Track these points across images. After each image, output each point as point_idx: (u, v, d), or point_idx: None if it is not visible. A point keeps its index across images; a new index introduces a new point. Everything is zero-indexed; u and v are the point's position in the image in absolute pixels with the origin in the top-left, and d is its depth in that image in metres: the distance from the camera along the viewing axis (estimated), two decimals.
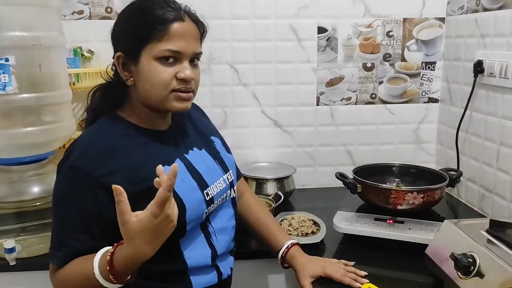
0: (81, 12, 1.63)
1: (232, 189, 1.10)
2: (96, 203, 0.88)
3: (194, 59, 0.96)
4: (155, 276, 0.95)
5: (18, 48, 1.18)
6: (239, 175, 1.26)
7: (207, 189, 1.00)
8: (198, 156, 1.04)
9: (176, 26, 0.91)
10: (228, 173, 1.09)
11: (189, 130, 1.09)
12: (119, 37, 0.96)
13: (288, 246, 1.15)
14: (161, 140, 1.00)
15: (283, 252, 1.15)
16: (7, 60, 1.15)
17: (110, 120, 0.98)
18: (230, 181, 1.09)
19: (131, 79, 0.95)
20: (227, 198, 1.08)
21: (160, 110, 0.97)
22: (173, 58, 0.92)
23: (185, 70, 0.93)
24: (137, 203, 0.86)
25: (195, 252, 0.98)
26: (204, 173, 1.01)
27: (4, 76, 1.15)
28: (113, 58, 0.97)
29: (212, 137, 1.14)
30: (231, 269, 1.09)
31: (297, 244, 1.17)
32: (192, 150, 1.04)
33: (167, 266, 0.96)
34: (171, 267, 0.96)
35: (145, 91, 0.95)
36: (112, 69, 1.01)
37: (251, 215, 1.22)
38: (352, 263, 1.16)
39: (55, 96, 1.26)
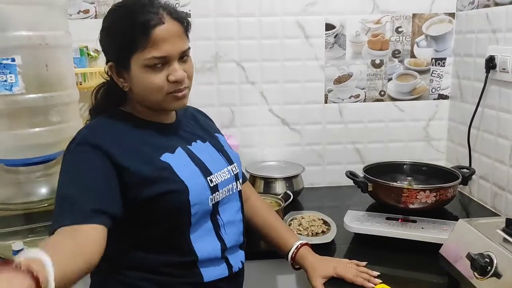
0: (87, 11, 1.62)
1: (237, 181, 1.09)
2: (106, 167, 0.88)
3: (183, 56, 0.96)
4: (166, 268, 0.95)
5: (24, 47, 1.17)
6: (244, 178, 1.24)
7: (211, 176, 1.00)
8: (201, 147, 1.05)
9: (157, 31, 0.90)
10: (233, 165, 1.09)
11: (193, 126, 1.10)
12: (106, 48, 0.98)
13: (298, 246, 1.14)
14: (164, 131, 1.02)
15: (292, 253, 1.14)
16: (13, 60, 1.14)
17: (113, 113, 0.99)
18: (235, 173, 1.08)
19: (126, 84, 0.97)
20: (234, 190, 1.07)
21: (159, 110, 1.00)
22: (161, 63, 0.92)
23: (175, 72, 0.93)
24: (133, 179, 0.89)
25: (205, 244, 0.98)
26: (207, 162, 1.02)
27: (11, 76, 1.14)
28: (106, 65, 0.99)
29: (216, 134, 1.15)
30: (242, 263, 1.08)
31: (306, 244, 1.16)
32: (196, 142, 1.05)
33: (177, 258, 0.95)
34: (181, 259, 0.96)
35: (141, 97, 0.97)
36: (107, 73, 1.02)
37: (258, 218, 1.21)
38: (364, 263, 1.14)
39: (62, 96, 1.25)
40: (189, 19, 0.99)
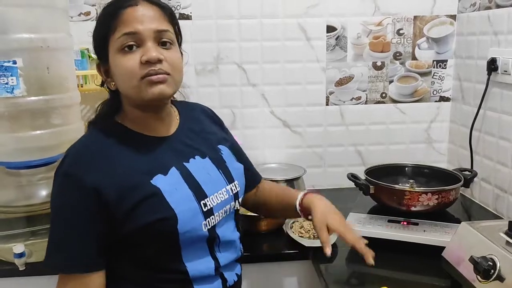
0: (88, 13, 1.62)
1: (236, 200, 1.04)
2: (91, 209, 0.86)
3: (165, 42, 0.90)
4: (159, 284, 0.93)
5: (26, 50, 1.16)
6: (258, 177, 1.21)
7: (205, 200, 0.94)
8: (199, 165, 0.98)
9: (129, 10, 0.88)
10: (233, 183, 1.03)
11: (195, 136, 1.04)
12: (93, 47, 0.96)
13: (305, 193, 1.10)
14: (159, 146, 0.96)
15: (300, 199, 1.09)
16: (14, 62, 1.14)
17: (104, 126, 0.96)
18: (234, 192, 1.02)
19: (113, 83, 0.94)
20: (231, 210, 1.02)
21: (145, 105, 0.93)
22: (134, 44, 0.87)
23: (147, 52, 0.87)
24: (119, 211, 0.87)
25: (198, 264, 0.94)
26: (204, 183, 0.96)
27: (12, 79, 1.14)
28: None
29: (219, 146, 1.08)
30: (237, 275, 1.04)
31: (310, 191, 1.12)
32: (194, 158, 0.99)
33: (170, 275, 0.93)
34: (174, 276, 0.93)
35: (122, 88, 0.92)
36: (96, 84, 1.02)
37: (270, 196, 1.17)
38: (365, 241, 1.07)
39: (64, 98, 1.24)
40: (171, 8, 0.95)
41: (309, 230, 1.32)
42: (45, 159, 1.25)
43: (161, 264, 0.92)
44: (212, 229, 0.95)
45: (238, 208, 1.06)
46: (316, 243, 1.26)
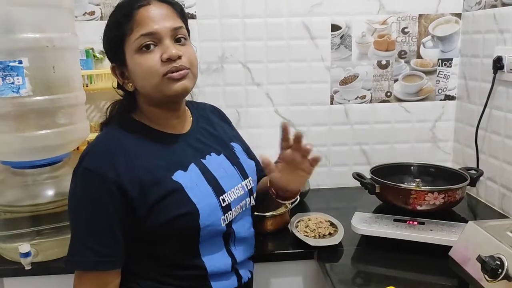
0: (92, 13, 1.62)
1: (251, 196, 1.06)
2: (115, 204, 0.87)
3: (179, 38, 0.92)
4: (176, 281, 0.94)
5: (31, 49, 1.16)
6: (264, 174, 1.20)
7: (223, 195, 0.97)
8: (215, 162, 1.01)
9: (142, 11, 0.89)
10: (247, 179, 1.05)
11: (208, 134, 1.06)
12: (106, 50, 0.97)
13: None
14: (176, 143, 0.98)
15: (269, 186, 1.08)
16: (20, 62, 1.14)
17: (122, 123, 0.97)
18: (249, 188, 1.05)
19: (130, 84, 0.95)
20: (247, 206, 1.05)
21: (166, 102, 0.95)
22: (152, 43, 0.89)
23: (167, 49, 0.89)
24: (141, 206, 0.87)
25: (215, 260, 0.96)
26: (221, 179, 0.98)
27: (18, 79, 1.14)
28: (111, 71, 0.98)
29: (232, 143, 1.11)
30: (251, 272, 1.07)
31: None
32: (210, 155, 1.01)
33: (188, 272, 0.94)
34: (192, 272, 0.95)
35: (142, 88, 0.94)
36: (113, 86, 1.01)
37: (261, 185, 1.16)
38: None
39: (69, 98, 1.24)
40: (182, 5, 0.97)
41: (314, 230, 1.32)
42: (50, 158, 1.25)
43: (180, 261, 0.94)
44: (229, 224, 0.98)
45: (253, 204, 1.08)
46: (322, 243, 1.26)
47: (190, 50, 0.94)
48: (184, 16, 0.97)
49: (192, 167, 0.95)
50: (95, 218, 0.88)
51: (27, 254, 1.18)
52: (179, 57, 0.90)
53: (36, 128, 1.19)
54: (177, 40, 0.92)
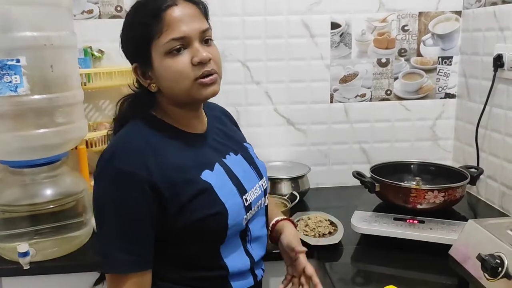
0: (90, 11, 1.62)
1: (266, 196, 1.07)
2: (149, 204, 0.86)
3: (206, 39, 0.91)
4: (197, 282, 0.94)
5: (29, 48, 1.16)
6: None
7: (246, 195, 0.97)
8: (235, 161, 1.01)
9: (170, 12, 0.86)
10: (262, 180, 1.06)
11: (223, 134, 1.06)
12: (127, 49, 0.94)
13: (281, 219, 1.13)
14: (199, 143, 0.98)
15: (274, 222, 1.11)
16: (18, 61, 1.13)
17: (144, 120, 0.94)
18: (264, 188, 1.06)
19: (154, 85, 0.93)
20: (262, 206, 1.05)
21: (191, 103, 0.94)
22: (182, 46, 0.87)
23: (198, 52, 0.87)
24: (173, 206, 0.87)
25: (235, 260, 0.96)
26: (242, 179, 0.99)
27: (16, 77, 1.13)
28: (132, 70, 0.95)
29: (245, 144, 1.12)
30: (263, 270, 1.07)
31: (288, 220, 1.14)
32: (229, 155, 1.01)
33: (209, 273, 0.94)
34: (213, 273, 0.94)
35: (170, 90, 0.92)
36: (134, 84, 0.99)
37: None
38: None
39: (68, 97, 1.24)
40: (206, 4, 0.95)
41: (314, 229, 1.31)
42: (48, 158, 1.25)
43: (202, 262, 0.94)
44: (247, 224, 0.98)
45: (267, 203, 1.09)
46: (322, 242, 1.26)
47: (216, 51, 0.93)
48: (208, 15, 0.95)
49: (217, 166, 0.95)
50: (131, 219, 0.86)
51: (25, 254, 1.18)
52: (210, 60, 0.89)
53: (34, 127, 1.19)
54: (205, 41, 0.90)
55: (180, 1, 0.88)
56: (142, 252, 0.88)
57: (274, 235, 1.11)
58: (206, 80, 0.89)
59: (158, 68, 0.90)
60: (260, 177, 1.06)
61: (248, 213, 0.97)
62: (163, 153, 0.90)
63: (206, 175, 0.92)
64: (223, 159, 0.99)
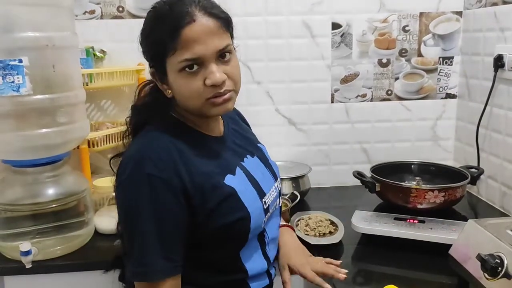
0: (92, 11, 1.62)
1: (280, 197, 1.08)
2: (180, 210, 0.85)
3: (224, 54, 0.87)
4: (217, 285, 0.95)
5: (31, 49, 1.16)
6: None
7: (265, 198, 0.98)
8: (253, 164, 1.01)
9: (187, 31, 0.82)
10: (278, 181, 1.07)
11: (240, 136, 1.06)
12: (144, 53, 0.92)
13: (279, 225, 1.13)
14: (219, 146, 0.97)
15: None
16: (20, 61, 1.14)
17: (167, 124, 0.93)
18: (279, 189, 1.07)
19: (170, 91, 0.91)
20: (277, 207, 1.06)
21: (203, 117, 0.94)
22: (196, 65, 0.84)
23: (211, 75, 0.84)
24: (201, 212, 0.87)
25: (254, 262, 0.97)
26: (261, 181, 0.99)
27: (18, 78, 1.14)
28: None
29: (259, 145, 1.11)
30: (275, 268, 1.08)
31: (290, 226, 1.16)
32: (247, 157, 1.01)
33: (229, 277, 0.95)
34: (233, 277, 0.95)
35: (182, 103, 0.91)
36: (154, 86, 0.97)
37: None
38: (339, 262, 1.10)
39: (69, 97, 1.25)
40: (229, 16, 0.91)
41: (314, 228, 1.32)
42: (51, 157, 1.25)
43: (223, 265, 0.94)
44: (264, 226, 0.99)
45: (281, 204, 1.10)
46: (322, 241, 1.26)
47: (234, 65, 0.89)
48: (230, 26, 0.91)
49: (238, 170, 0.95)
50: (166, 225, 0.85)
51: (27, 253, 1.18)
52: (223, 82, 0.86)
53: (36, 127, 1.19)
54: (221, 56, 0.87)
55: (199, 15, 0.84)
56: (177, 258, 0.87)
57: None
58: (219, 100, 0.87)
59: (172, 82, 0.89)
60: (275, 178, 1.06)
61: (266, 216, 0.97)
62: (190, 158, 0.88)
63: (229, 180, 0.91)
64: (242, 162, 0.99)
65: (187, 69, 0.85)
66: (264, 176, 1.02)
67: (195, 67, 0.85)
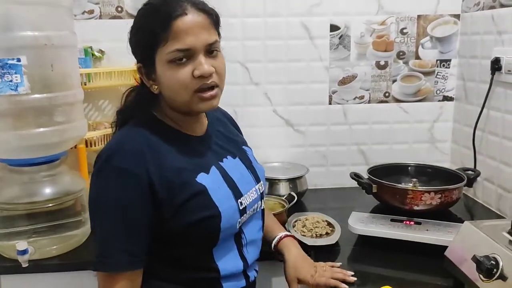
0: (91, 11, 1.62)
1: (262, 200, 1.08)
2: (146, 204, 0.87)
3: (212, 50, 0.90)
4: (189, 282, 0.95)
5: (30, 48, 1.17)
6: None
7: (241, 198, 0.98)
8: (232, 165, 1.02)
9: (179, 22, 0.86)
10: (260, 183, 1.07)
11: (223, 137, 1.07)
12: (133, 49, 0.95)
13: (282, 236, 1.15)
14: (198, 145, 0.98)
15: (276, 242, 1.14)
16: (19, 60, 1.14)
17: (145, 121, 0.95)
18: (261, 191, 1.07)
19: (156, 86, 0.93)
20: (258, 209, 1.06)
21: (189, 113, 0.95)
22: (185, 57, 0.87)
23: (200, 66, 0.88)
24: (168, 208, 0.88)
25: (228, 264, 0.97)
26: (238, 182, 0.99)
27: (16, 77, 1.14)
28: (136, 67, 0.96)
29: (244, 147, 1.12)
30: (256, 271, 1.08)
31: (292, 236, 1.17)
32: (227, 158, 1.02)
33: (201, 275, 0.95)
34: (205, 275, 0.95)
35: (169, 97, 0.93)
36: (137, 81, 1.00)
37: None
38: (339, 263, 1.14)
39: (67, 96, 1.25)
40: (218, 13, 0.94)
41: (311, 229, 1.32)
42: (48, 156, 1.26)
43: (194, 263, 0.94)
44: (240, 227, 0.99)
45: (263, 207, 1.10)
46: (319, 242, 1.26)
47: (221, 62, 0.93)
48: (218, 24, 0.94)
49: (213, 169, 0.96)
50: (128, 218, 0.86)
51: (24, 252, 1.18)
52: (211, 74, 0.89)
53: (33, 126, 1.19)
54: (209, 52, 0.90)
55: (191, 10, 0.88)
56: (138, 252, 0.88)
57: (277, 254, 1.15)
58: (206, 95, 0.90)
59: (160, 74, 0.90)
60: (257, 180, 1.06)
61: (242, 217, 0.98)
62: (162, 154, 0.90)
63: (201, 178, 0.92)
64: (220, 162, 1.00)
65: (177, 61, 0.87)
66: (244, 177, 1.02)
67: (184, 59, 0.88)
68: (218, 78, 0.92)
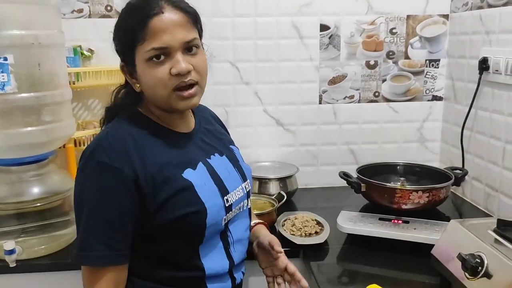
0: (80, 10, 1.62)
1: (248, 199, 1.08)
2: (130, 199, 0.87)
3: (191, 47, 0.91)
4: (173, 281, 0.95)
5: (17, 46, 1.16)
6: None
7: (227, 196, 0.98)
8: (219, 162, 1.02)
9: (155, 21, 0.87)
10: (246, 182, 1.07)
11: (211, 135, 1.07)
12: (116, 47, 0.96)
13: (255, 223, 1.16)
14: (184, 142, 0.99)
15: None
16: (5, 59, 1.13)
17: (131, 117, 0.96)
18: (247, 190, 1.07)
19: (138, 85, 0.95)
20: (244, 208, 1.06)
21: (171, 111, 0.96)
22: (163, 54, 0.88)
23: (177, 64, 0.88)
24: (152, 203, 0.88)
25: (214, 262, 0.97)
26: (225, 180, 1.00)
27: (3, 76, 1.14)
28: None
29: (231, 146, 1.13)
30: (243, 273, 1.08)
31: (263, 223, 1.18)
32: (214, 155, 1.02)
33: (185, 273, 0.95)
34: (189, 274, 0.95)
35: (150, 95, 0.94)
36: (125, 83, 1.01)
37: None
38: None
39: (55, 95, 1.24)
40: (196, 12, 0.94)
41: (300, 229, 1.32)
42: (36, 156, 1.25)
43: (178, 261, 0.94)
44: (226, 224, 0.99)
45: (250, 206, 1.10)
46: (308, 241, 1.27)
47: (201, 59, 0.93)
48: (197, 22, 0.95)
49: (200, 166, 0.96)
50: (111, 212, 0.87)
51: (11, 252, 1.18)
52: (189, 72, 0.90)
53: (21, 125, 1.19)
54: (188, 49, 0.91)
55: (168, 8, 0.88)
56: (121, 247, 0.88)
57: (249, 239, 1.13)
58: (185, 93, 0.91)
59: (140, 73, 0.92)
60: (244, 179, 1.07)
61: (228, 214, 0.98)
62: (147, 150, 0.91)
63: (188, 174, 0.93)
64: (207, 159, 1.00)
65: (154, 59, 0.88)
66: (230, 175, 1.02)
67: (162, 57, 0.88)
68: (198, 76, 0.92)
